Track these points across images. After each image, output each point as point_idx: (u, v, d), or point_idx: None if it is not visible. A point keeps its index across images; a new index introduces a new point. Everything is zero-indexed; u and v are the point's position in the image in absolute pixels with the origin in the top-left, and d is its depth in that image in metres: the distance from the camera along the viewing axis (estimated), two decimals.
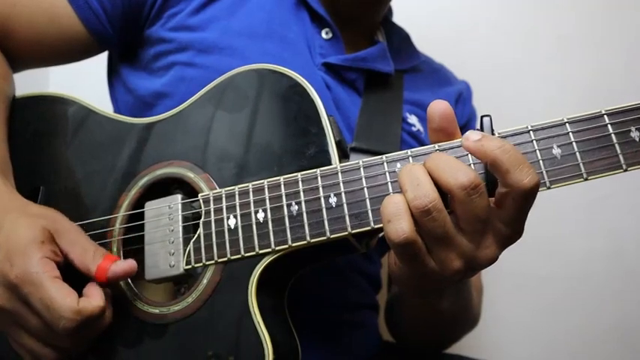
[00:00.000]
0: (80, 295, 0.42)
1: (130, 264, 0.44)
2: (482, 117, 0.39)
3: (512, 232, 0.37)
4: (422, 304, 0.53)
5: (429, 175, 0.37)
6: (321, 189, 0.42)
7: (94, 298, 0.41)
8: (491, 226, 0.37)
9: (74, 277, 0.43)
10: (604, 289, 0.88)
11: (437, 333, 0.62)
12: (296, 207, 0.42)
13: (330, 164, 0.43)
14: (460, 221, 0.37)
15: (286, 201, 0.43)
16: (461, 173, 0.36)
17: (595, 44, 0.94)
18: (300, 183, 0.43)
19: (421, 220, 0.36)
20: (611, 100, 0.99)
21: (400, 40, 0.70)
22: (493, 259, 0.38)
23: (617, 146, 0.37)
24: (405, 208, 0.36)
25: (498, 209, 0.36)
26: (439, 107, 0.39)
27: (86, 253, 0.43)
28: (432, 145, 0.40)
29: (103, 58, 0.66)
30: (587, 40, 0.94)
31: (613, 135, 0.37)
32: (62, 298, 0.39)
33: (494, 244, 0.37)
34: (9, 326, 0.42)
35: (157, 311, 0.45)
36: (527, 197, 0.35)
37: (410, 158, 0.40)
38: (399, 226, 0.36)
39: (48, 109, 0.57)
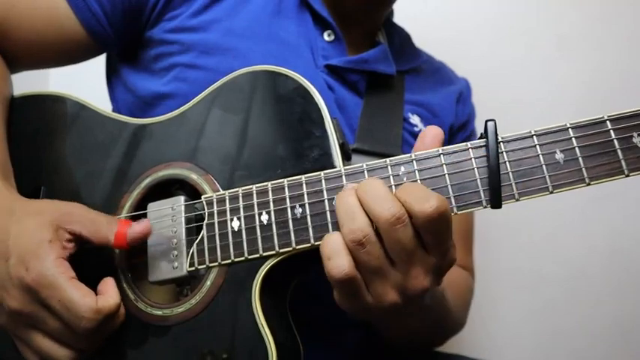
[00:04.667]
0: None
1: (146, 224, 0.44)
2: (486, 121, 0.39)
3: (440, 260, 0.38)
4: (384, 327, 0.54)
5: (361, 204, 0.38)
6: (325, 192, 0.42)
7: (110, 295, 0.42)
8: (418, 256, 0.38)
9: (86, 271, 0.43)
10: (603, 289, 0.88)
11: (416, 343, 0.62)
12: (300, 209, 0.42)
13: (334, 167, 0.44)
14: (388, 251, 0.38)
15: (290, 203, 0.43)
16: (386, 204, 0.37)
17: (595, 44, 0.94)
18: (304, 186, 0.43)
19: (357, 253, 0.38)
20: (611, 100, 1.00)
21: (401, 41, 0.70)
22: (424, 289, 0.38)
23: (619, 152, 0.37)
24: (343, 245, 0.38)
25: (420, 239, 0.37)
26: (433, 131, 0.42)
27: (99, 225, 0.44)
28: (436, 150, 0.41)
29: (103, 57, 0.65)
30: (587, 40, 0.94)
31: (615, 141, 0.37)
32: (81, 299, 0.40)
33: (422, 274, 0.38)
34: (23, 329, 0.42)
35: (159, 313, 0.45)
36: (435, 225, 0.36)
37: (414, 162, 0.41)
38: (339, 262, 0.37)
39: (48, 108, 0.57)
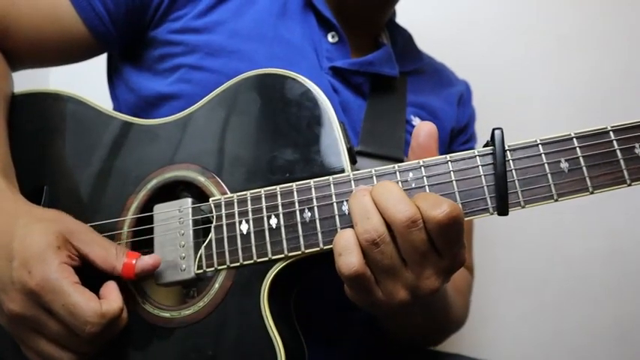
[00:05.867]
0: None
1: (155, 258, 0.45)
2: (493, 130, 0.40)
3: (450, 262, 0.39)
4: (390, 322, 0.55)
5: (376, 205, 0.39)
6: (334, 196, 0.43)
7: (114, 299, 0.42)
8: (430, 258, 0.39)
9: (88, 278, 0.43)
10: (602, 289, 0.89)
11: (417, 338, 0.64)
12: (309, 214, 0.43)
13: (342, 171, 0.44)
14: (401, 252, 0.39)
15: (299, 207, 0.43)
16: (402, 207, 0.37)
17: (595, 44, 0.95)
18: (313, 190, 0.43)
19: (370, 252, 0.38)
20: (611, 100, 1.00)
21: (404, 42, 0.71)
22: (435, 290, 0.39)
23: (621, 162, 0.38)
24: (354, 243, 0.39)
25: (433, 242, 0.38)
26: (426, 127, 0.42)
27: (108, 252, 0.44)
28: (444, 157, 0.41)
29: (104, 56, 0.65)
30: (587, 40, 0.95)
31: (618, 151, 0.38)
32: (86, 303, 0.40)
33: (434, 275, 0.39)
34: (26, 333, 0.42)
35: (167, 315, 0.46)
36: (446, 230, 0.37)
37: (422, 169, 0.41)
38: (350, 259, 0.38)
39: (50, 106, 0.57)
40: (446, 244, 0.38)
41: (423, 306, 0.52)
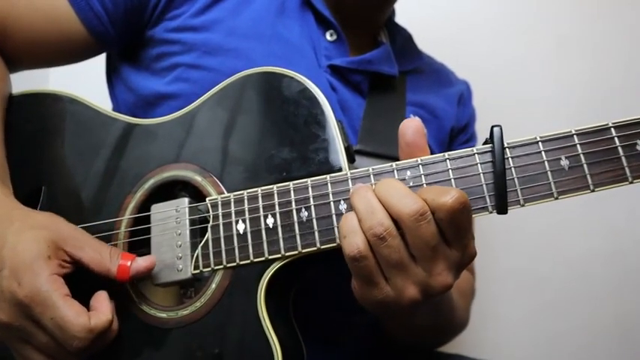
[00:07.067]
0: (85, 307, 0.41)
1: (151, 259, 0.44)
2: (492, 127, 0.39)
3: (461, 254, 0.38)
4: (395, 323, 0.54)
5: (380, 203, 0.38)
6: (331, 195, 0.42)
7: (103, 312, 0.41)
8: (441, 252, 0.38)
9: (78, 286, 0.42)
10: (603, 288, 0.89)
11: (419, 342, 0.63)
12: (306, 213, 0.42)
13: (339, 170, 0.44)
14: (410, 248, 0.38)
15: (296, 206, 0.43)
16: (409, 201, 0.37)
17: (595, 44, 0.95)
18: (309, 189, 0.43)
19: (377, 247, 0.38)
20: (611, 99, 1.00)
21: (403, 41, 0.70)
22: (447, 286, 0.38)
23: (623, 159, 0.37)
24: (360, 226, 0.38)
25: (443, 234, 0.37)
26: (412, 124, 0.41)
27: (102, 255, 0.43)
28: (442, 154, 0.41)
29: (103, 56, 0.65)
30: (587, 39, 0.95)
31: (619, 148, 0.38)
32: (74, 318, 0.39)
33: (446, 270, 0.38)
34: (16, 341, 0.42)
35: (164, 315, 0.45)
36: (457, 216, 0.36)
37: (420, 167, 0.41)
38: (354, 240, 0.38)
39: (49, 106, 0.56)
40: (457, 234, 0.37)
41: (431, 307, 0.51)
